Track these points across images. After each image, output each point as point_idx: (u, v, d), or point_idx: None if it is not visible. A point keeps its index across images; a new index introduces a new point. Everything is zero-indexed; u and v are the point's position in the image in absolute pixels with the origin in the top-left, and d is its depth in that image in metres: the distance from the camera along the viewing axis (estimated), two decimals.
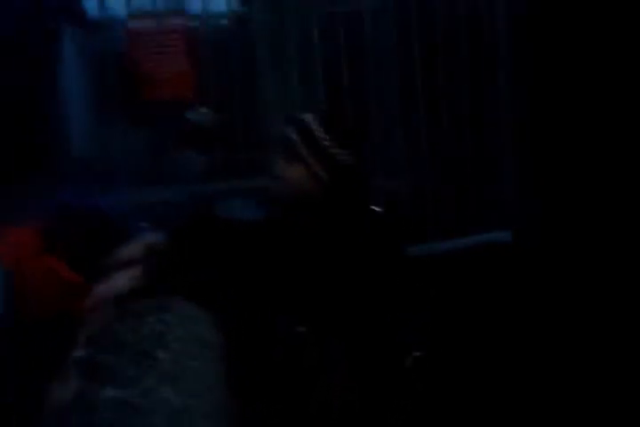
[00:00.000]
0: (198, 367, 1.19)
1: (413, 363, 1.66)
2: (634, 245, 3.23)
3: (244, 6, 3.47)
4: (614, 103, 3.24)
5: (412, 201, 3.43)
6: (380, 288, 1.66)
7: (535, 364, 3.08)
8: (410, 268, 1.80)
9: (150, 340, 1.17)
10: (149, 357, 1.14)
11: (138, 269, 1.30)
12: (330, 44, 3.38)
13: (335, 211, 1.70)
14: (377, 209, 1.82)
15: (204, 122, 3.29)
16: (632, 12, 3.16)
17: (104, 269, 1.33)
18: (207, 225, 1.71)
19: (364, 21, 3.38)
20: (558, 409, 2.89)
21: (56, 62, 2.49)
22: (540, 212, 3.42)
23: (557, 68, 3.30)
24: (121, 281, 1.28)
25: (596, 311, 3.21)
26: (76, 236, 2.05)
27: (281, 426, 1.52)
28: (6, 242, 2.07)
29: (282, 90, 3.34)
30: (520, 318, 3.24)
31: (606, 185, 3.29)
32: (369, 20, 3.39)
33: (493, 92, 3.48)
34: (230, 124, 3.35)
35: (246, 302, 1.48)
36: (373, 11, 3.39)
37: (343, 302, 1.60)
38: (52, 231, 2.07)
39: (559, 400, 2.93)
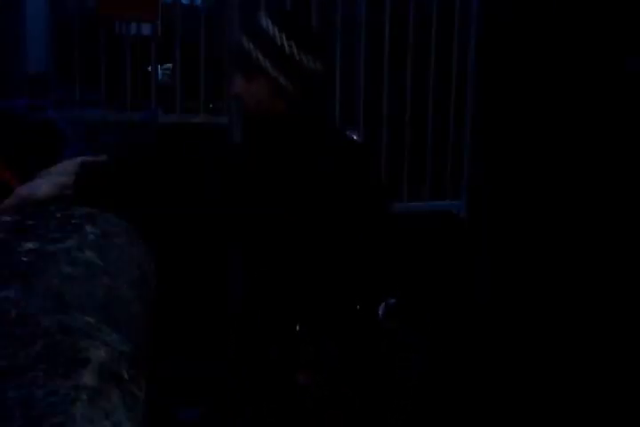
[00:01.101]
0: (122, 244, 1.19)
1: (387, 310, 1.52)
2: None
3: None
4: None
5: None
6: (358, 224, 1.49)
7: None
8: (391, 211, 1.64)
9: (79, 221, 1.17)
10: (77, 226, 1.14)
11: (69, 179, 1.28)
12: None
13: (302, 127, 1.51)
14: (353, 135, 1.64)
15: None
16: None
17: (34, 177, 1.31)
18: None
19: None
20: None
21: None
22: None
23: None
24: (45, 186, 1.26)
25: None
26: (21, 143, 2.02)
27: (277, 425, 1.48)
28: None
29: None
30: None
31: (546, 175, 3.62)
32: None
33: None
34: None
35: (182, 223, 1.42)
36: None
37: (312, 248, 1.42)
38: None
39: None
